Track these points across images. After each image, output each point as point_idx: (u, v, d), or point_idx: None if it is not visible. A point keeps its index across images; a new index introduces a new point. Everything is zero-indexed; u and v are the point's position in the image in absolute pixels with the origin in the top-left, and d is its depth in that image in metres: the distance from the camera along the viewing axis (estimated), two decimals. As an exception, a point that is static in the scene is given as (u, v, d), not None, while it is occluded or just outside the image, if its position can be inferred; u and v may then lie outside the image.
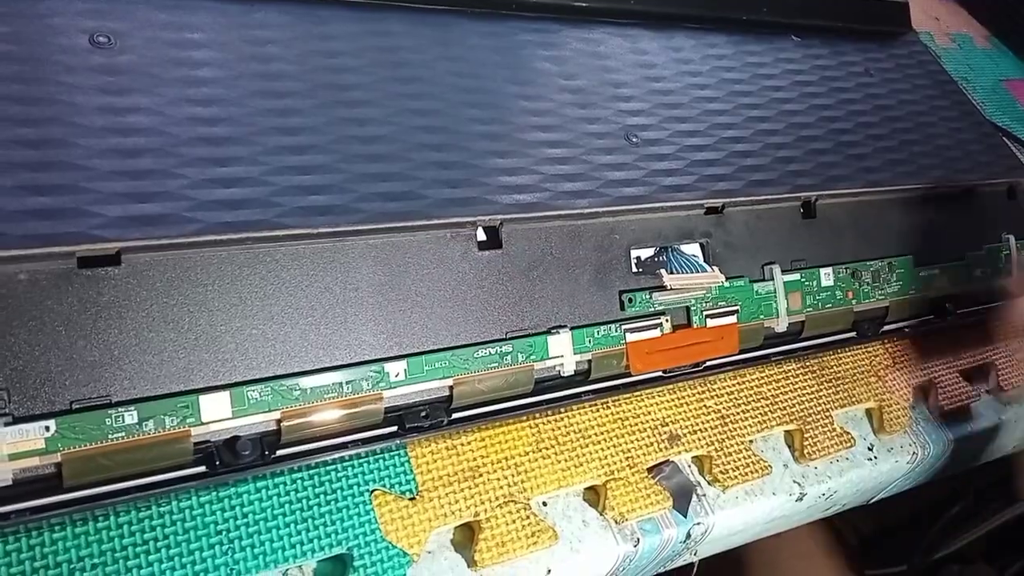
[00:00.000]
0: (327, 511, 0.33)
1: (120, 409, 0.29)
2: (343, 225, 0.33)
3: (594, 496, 0.39)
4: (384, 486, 0.35)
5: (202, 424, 0.30)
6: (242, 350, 0.31)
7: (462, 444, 0.37)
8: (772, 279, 0.45)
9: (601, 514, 0.39)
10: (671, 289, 0.41)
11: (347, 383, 0.33)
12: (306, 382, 0.32)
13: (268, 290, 0.32)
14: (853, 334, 0.49)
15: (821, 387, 0.48)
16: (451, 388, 0.35)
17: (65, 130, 0.31)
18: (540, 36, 0.46)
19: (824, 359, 0.49)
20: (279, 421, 0.32)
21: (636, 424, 0.41)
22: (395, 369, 0.34)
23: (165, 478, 0.30)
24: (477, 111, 0.41)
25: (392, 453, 0.36)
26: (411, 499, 0.35)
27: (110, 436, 0.29)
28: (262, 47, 0.37)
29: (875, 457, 0.48)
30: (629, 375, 0.40)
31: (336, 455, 0.33)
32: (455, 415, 0.36)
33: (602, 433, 0.40)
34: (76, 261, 0.29)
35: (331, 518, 0.33)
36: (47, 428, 0.28)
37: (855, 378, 0.49)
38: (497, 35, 0.45)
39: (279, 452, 0.32)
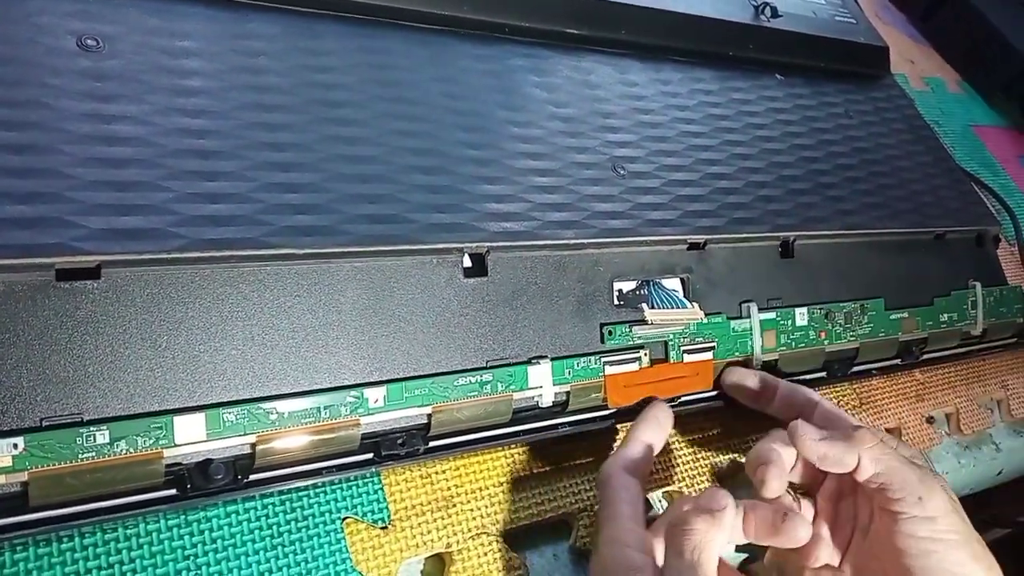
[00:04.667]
0: (297, 538, 0.33)
1: (92, 428, 0.28)
2: (330, 247, 0.33)
3: (566, 528, 0.39)
4: (356, 514, 0.34)
5: (175, 446, 0.29)
6: (220, 371, 0.31)
7: (437, 473, 0.37)
8: (749, 317, 0.45)
9: (572, 546, 0.38)
10: (652, 324, 0.41)
11: (325, 408, 0.32)
12: (284, 406, 0.31)
13: (250, 310, 0.31)
14: (823, 374, 0.49)
15: (790, 425, 0.48)
16: (429, 416, 0.35)
17: (49, 136, 0.30)
18: (532, 62, 0.46)
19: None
20: (254, 445, 0.31)
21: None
22: (374, 395, 0.33)
23: (134, 500, 0.29)
24: (467, 135, 0.40)
25: (366, 480, 0.35)
26: (383, 528, 0.34)
27: (80, 456, 0.28)
28: (253, 58, 0.37)
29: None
30: (606, 407, 0.40)
31: (310, 481, 0.32)
32: (432, 443, 0.35)
33: (576, 464, 0.40)
34: (55, 273, 0.28)
35: (301, 546, 0.32)
36: (15, 445, 0.27)
37: (823, 417, 0.50)
38: (490, 58, 0.45)
39: (252, 476, 0.31)
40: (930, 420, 0.55)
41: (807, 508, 0.39)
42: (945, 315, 0.55)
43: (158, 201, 0.30)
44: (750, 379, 0.43)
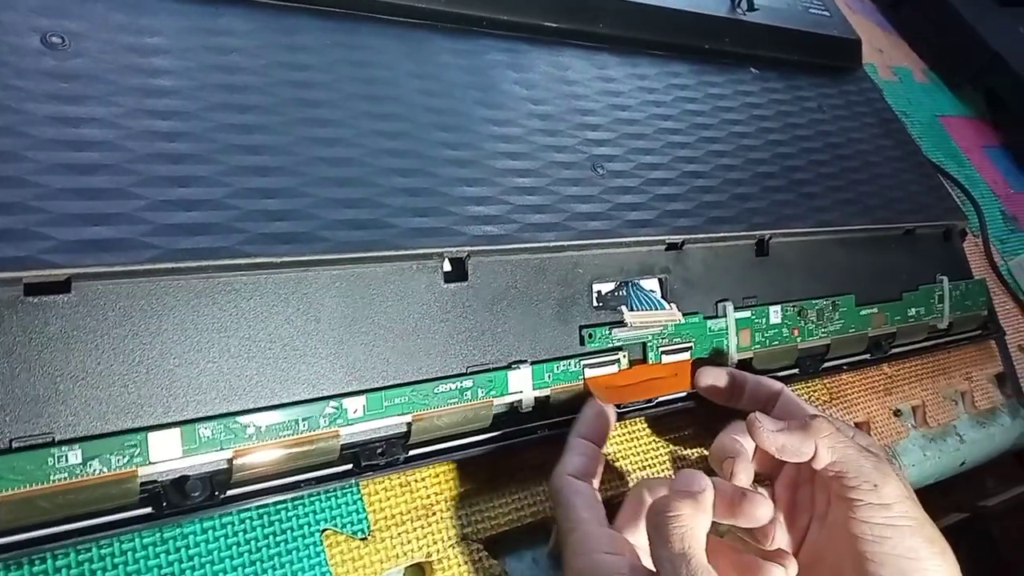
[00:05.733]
0: (276, 552, 0.32)
1: (64, 448, 0.27)
2: (308, 254, 0.32)
3: (544, 532, 0.39)
4: (335, 525, 0.34)
5: (150, 463, 0.29)
6: (195, 385, 0.30)
7: (416, 480, 0.36)
8: (725, 316, 0.45)
9: (551, 551, 0.38)
10: (631, 326, 0.41)
11: (304, 420, 0.32)
12: (261, 419, 0.31)
13: (226, 322, 0.30)
14: (795, 371, 0.50)
15: (764, 422, 0.49)
16: (409, 424, 0.34)
17: (12, 141, 0.28)
18: (510, 56, 0.45)
19: (767, 394, 0.50)
20: (231, 460, 0.30)
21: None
22: (354, 405, 0.33)
23: (107, 520, 0.28)
24: (446, 134, 0.39)
25: (344, 490, 0.34)
26: (363, 539, 0.34)
27: (52, 477, 0.27)
28: (226, 56, 0.35)
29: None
30: (585, 411, 0.40)
31: (288, 495, 0.32)
32: (412, 451, 0.35)
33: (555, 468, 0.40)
34: (23, 288, 0.27)
35: (280, 560, 0.32)
36: (-17, 469, 0.26)
37: (795, 414, 0.50)
38: (468, 53, 0.44)
39: (229, 492, 0.31)
40: (897, 413, 0.55)
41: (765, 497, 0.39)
42: (913, 309, 0.55)
43: (129, 209, 0.29)
44: (721, 378, 0.43)
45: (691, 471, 0.33)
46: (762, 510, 0.34)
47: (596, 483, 0.36)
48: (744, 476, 0.36)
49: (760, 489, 0.39)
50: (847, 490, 0.36)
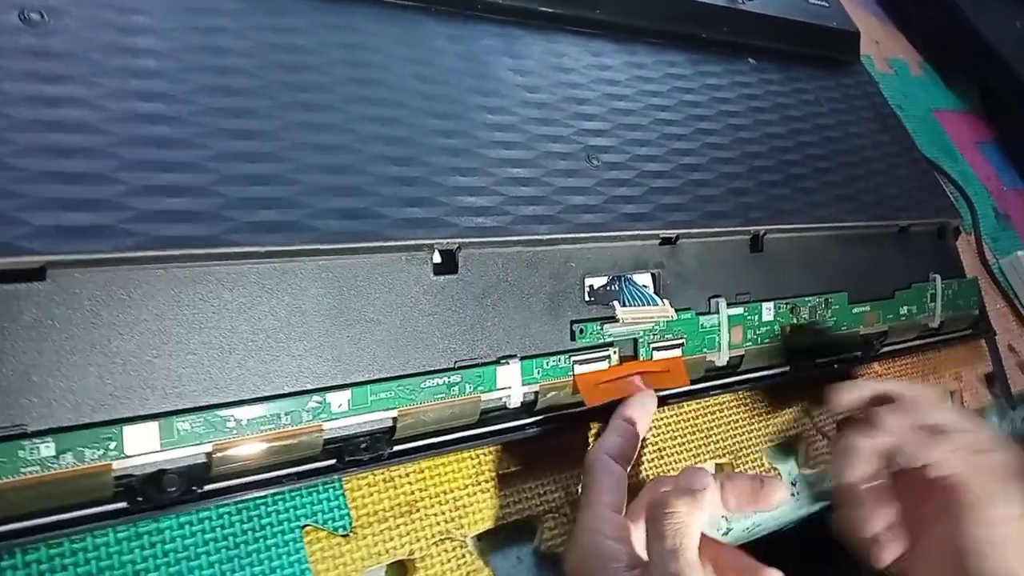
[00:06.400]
0: (255, 548, 0.31)
1: (36, 440, 0.26)
2: (295, 244, 0.31)
3: (530, 531, 0.38)
4: (317, 521, 0.33)
5: (125, 457, 0.28)
6: (175, 377, 0.29)
7: (400, 476, 0.35)
8: (718, 312, 0.45)
9: (536, 549, 0.38)
10: (623, 322, 0.40)
11: (286, 414, 0.31)
12: (242, 413, 0.30)
13: (207, 313, 0.29)
14: (787, 368, 0.49)
15: (753, 420, 0.48)
16: (395, 420, 0.33)
17: (-12, 121, 0.27)
18: (505, 42, 0.44)
19: (758, 392, 0.49)
20: (210, 454, 0.29)
21: (576, 457, 0.40)
22: (338, 400, 0.32)
23: (80, 515, 0.28)
24: (440, 122, 0.38)
25: (326, 485, 0.34)
26: (344, 535, 0.33)
27: (23, 470, 0.26)
28: (214, 36, 0.34)
29: (798, 492, 0.48)
30: (575, 407, 0.39)
31: (269, 490, 0.31)
32: (397, 447, 0.34)
33: (542, 466, 0.39)
34: (-4, 275, 0.26)
35: (259, 556, 0.31)
36: (-49, 462, 0.25)
37: (785, 412, 0.50)
38: (463, 38, 0.43)
39: (208, 487, 0.30)
40: (886, 412, 0.55)
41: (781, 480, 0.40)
42: (905, 308, 0.55)
43: (109, 195, 0.28)
44: (867, 391, 0.44)
45: (696, 469, 0.34)
46: (780, 491, 0.35)
47: (629, 468, 0.37)
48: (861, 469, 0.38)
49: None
50: (960, 502, 0.37)
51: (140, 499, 0.28)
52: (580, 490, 0.38)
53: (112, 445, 0.27)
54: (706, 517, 0.32)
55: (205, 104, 0.32)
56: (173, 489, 0.29)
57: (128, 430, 0.28)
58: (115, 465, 0.28)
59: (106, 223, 0.28)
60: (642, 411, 0.39)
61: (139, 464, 0.28)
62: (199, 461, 0.29)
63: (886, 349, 0.55)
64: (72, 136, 0.29)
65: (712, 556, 0.34)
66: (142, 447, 0.28)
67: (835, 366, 0.52)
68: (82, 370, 0.27)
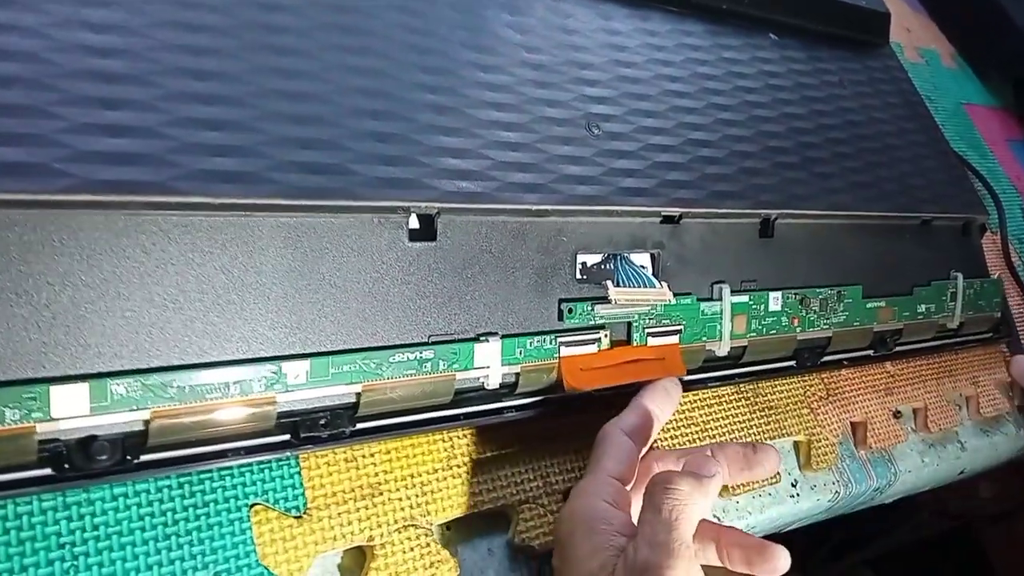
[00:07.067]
0: (195, 527, 0.29)
1: (-52, 397, 0.24)
2: (252, 197, 0.28)
3: (504, 521, 0.35)
4: (267, 500, 0.30)
5: (51, 420, 0.25)
6: (111, 335, 0.26)
7: (364, 456, 0.33)
8: (720, 299, 0.42)
9: (510, 540, 0.35)
10: (616, 303, 0.37)
11: (235, 383, 0.28)
12: (186, 379, 0.27)
13: (149, 266, 0.27)
14: (792, 363, 0.46)
15: (753, 416, 0.45)
16: (358, 395, 0.31)
17: (-89, 41, 0.25)
18: (506, -3, 0.41)
19: (759, 386, 0.46)
20: (147, 422, 0.27)
21: (559, 445, 0.37)
22: (295, 370, 0.29)
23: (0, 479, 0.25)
24: (426, 76, 0.35)
25: (280, 463, 0.31)
26: (297, 517, 0.31)
27: (-69, 429, 0.23)
28: (179, -33, 0.31)
29: (798, 494, 0.45)
30: (559, 392, 0.36)
31: (214, 464, 0.28)
32: (360, 425, 0.31)
33: (520, 453, 0.36)
34: (-94, 212, 0.23)
35: (199, 536, 0.29)
36: None
37: (788, 409, 0.47)
38: (458, -11, 0.40)
39: (144, 457, 0.27)
40: (897, 415, 0.52)
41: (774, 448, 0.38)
42: (923, 306, 0.52)
43: (45, 130, 0.26)
44: None
45: (706, 457, 0.33)
46: (774, 460, 0.36)
47: (643, 450, 0.35)
48: None
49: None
50: None
51: (67, 466, 0.26)
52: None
53: (36, 406, 0.25)
54: (708, 506, 0.31)
55: (162, 40, 0.29)
56: (104, 458, 0.26)
57: (55, 390, 0.25)
58: (40, 428, 0.25)
59: (38, 161, 0.25)
60: (665, 397, 0.37)
61: (67, 428, 0.26)
62: (136, 429, 0.27)
63: (900, 348, 0.51)
64: (9, 65, 0.26)
65: (714, 536, 0.32)
66: (70, 410, 0.25)
67: (843, 363, 0.49)
68: (5, 321, 0.24)
